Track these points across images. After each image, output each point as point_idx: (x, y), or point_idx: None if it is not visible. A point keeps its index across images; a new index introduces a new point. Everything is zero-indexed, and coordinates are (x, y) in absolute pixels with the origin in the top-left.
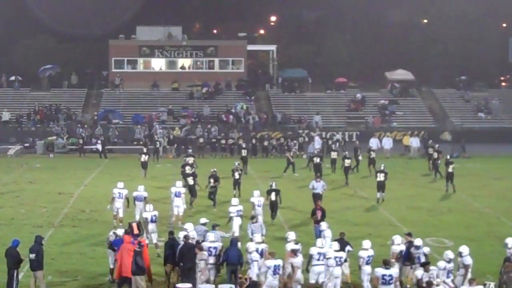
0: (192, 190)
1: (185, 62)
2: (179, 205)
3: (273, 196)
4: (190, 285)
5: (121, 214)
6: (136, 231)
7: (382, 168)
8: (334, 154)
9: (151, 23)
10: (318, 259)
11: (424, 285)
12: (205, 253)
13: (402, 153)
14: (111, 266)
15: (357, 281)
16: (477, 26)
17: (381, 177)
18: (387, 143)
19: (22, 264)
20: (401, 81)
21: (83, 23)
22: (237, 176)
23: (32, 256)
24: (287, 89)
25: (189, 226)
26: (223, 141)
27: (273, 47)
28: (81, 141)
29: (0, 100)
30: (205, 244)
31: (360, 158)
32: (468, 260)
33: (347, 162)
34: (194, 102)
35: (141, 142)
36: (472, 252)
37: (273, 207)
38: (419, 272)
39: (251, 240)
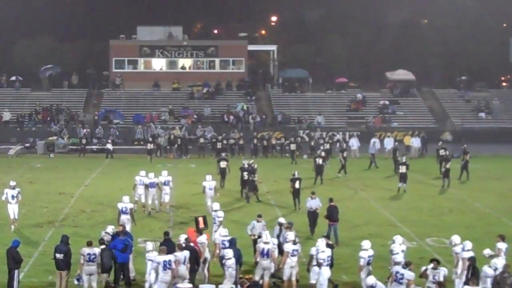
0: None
1: (185, 62)
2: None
3: (297, 184)
4: (190, 285)
5: (143, 200)
6: (201, 225)
7: (404, 160)
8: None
9: (151, 23)
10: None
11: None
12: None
13: (403, 153)
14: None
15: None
16: (478, 26)
17: (403, 169)
18: (389, 143)
19: (22, 264)
20: (402, 81)
21: (83, 23)
22: (245, 177)
23: (60, 256)
24: (287, 89)
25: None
26: (224, 141)
27: (273, 47)
28: (84, 141)
29: (0, 100)
30: (218, 238)
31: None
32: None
33: (319, 161)
34: (195, 102)
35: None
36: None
37: (297, 195)
38: None
39: (250, 236)
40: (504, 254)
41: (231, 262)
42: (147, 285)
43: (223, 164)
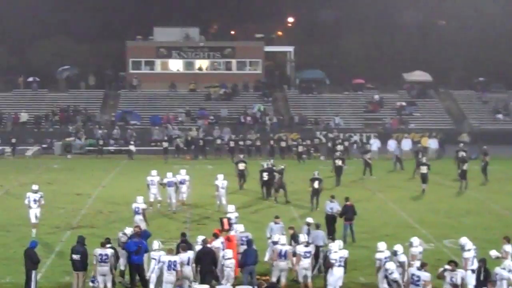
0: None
1: (202, 63)
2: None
3: (316, 184)
4: (207, 286)
5: (159, 197)
6: (226, 227)
7: (424, 161)
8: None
9: (168, 24)
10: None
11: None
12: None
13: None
14: (122, 268)
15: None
16: (495, 27)
17: (424, 169)
18: (406, 144)
19: (39, 265)
20: (419, 82)
21: (100, 24)
22: (265, 178)
23: (76, 257)
24: (304, 90)
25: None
26: (240, 143)
27: (290, 48)
28: (101, 142)
29: (18, 101)
30: (237, 235)
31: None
32: (403, 258)
33: (339, 162)
34: (212, 104)
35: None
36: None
37: (315, 195)
38: None
39: (268, 239)
40: None
41: (229, 262)
42: (151, 286)
43: (241, 166)
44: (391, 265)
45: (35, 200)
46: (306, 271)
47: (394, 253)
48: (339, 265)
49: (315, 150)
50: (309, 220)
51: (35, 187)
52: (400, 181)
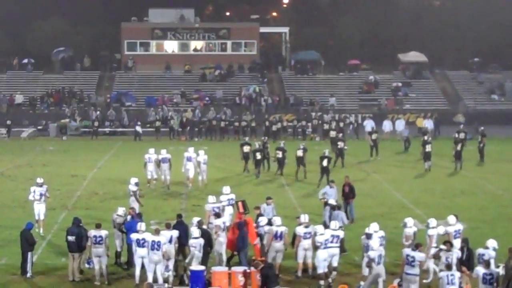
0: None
1: (197, 45)
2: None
3: (325, 162)
4: (203, 267)
5: (155, 176)
6: (241, 210)
7: (427, 139)
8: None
9: (163, 5)
10: (332, 241)
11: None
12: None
13: (415, 135)
14: (118, 249)
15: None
16: (490, 7)
17: (428, 147)
18: (400, 125)
19: (35, 246)
20: (414, 63)
21: (95, 6)
22: (258, 157)
23: (72, 238)
24: (299, 71)
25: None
26: (236, 123)
27: (285, 29)
28: (96, 123)
29: (13, 83)
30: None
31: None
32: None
33: (341, 144)
34: (207, 85)
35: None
36: (485, 234)
37: (324, 172)
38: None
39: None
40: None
41: (195, 241)
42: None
43: (246, 148)
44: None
45: (41, 194)
46: (306, 251)
47: (404, 225)
48: (325, 247)
49: (313, 131)
50: (331, 201)
51: (40, 180)
52: (396, 161)
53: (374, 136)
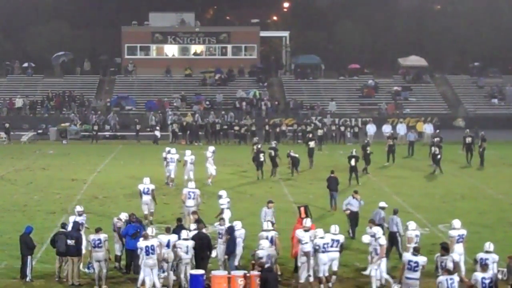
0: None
1: (198, 49)
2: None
3: (352, 162)
4: (203, 271)
5: (172, 175)
6: (303, 215)
7: (435, 140)
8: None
9: (164, 9)
10: (332, 246)
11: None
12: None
13: (416, 139)
14: (118, 253)
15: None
16: (491, 12)
17: (436, 151)
18: (402, 129)
19: (35, 250)
20: (414, 67)
21: (96, 10)
22: (262, 158)
23: (71, 242)
24: (300, 76)
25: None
26: (236, 128)
27: (286, 34)
28: (96, 127)
29: (13, 87)
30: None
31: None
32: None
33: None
34: (207, 89)
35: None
36: (484, 238)
37: (353, 171)
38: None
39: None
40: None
41: (183, 243)
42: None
43: (272, 153)
44: (365, 238)
45: (82, 225)
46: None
47: (406, 228)
48: (324, 251)
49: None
50: (383, 204)
51: (80, 208)
52: (395, 166)
53: (391, 142)
